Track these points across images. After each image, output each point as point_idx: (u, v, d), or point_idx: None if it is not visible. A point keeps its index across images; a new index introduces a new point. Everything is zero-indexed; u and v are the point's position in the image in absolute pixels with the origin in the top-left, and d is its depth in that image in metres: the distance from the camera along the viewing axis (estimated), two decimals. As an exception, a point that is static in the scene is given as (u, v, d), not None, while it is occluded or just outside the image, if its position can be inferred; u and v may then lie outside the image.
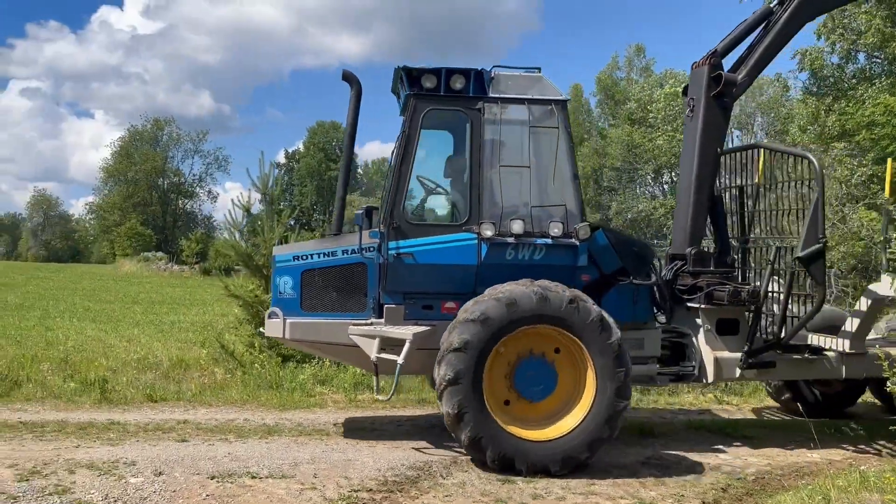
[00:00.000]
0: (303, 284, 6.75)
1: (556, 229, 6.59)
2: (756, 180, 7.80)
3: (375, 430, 7.49)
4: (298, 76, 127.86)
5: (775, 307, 7.30)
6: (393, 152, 6.82)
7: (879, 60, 21.31)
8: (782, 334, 7.12)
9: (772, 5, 7.78)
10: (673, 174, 46.00)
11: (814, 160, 7.01)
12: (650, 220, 40.71)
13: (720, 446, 7.39)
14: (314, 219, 69.30)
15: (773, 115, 40.96)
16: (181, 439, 6.83)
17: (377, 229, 6.67)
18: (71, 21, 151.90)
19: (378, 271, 6.65)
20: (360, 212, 6.82)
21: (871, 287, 7.48)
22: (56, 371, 9.49)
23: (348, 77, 6.97)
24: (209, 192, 73.93)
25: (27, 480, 5.44)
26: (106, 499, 5.16)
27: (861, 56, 21.56)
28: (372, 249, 6.64)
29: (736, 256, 7.89)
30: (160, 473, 5.73)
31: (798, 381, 8.67)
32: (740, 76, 7.56)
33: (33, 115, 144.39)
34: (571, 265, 6.69)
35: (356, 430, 7.50)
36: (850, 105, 19.62)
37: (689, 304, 7.39)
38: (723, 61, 7.76)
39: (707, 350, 7.19)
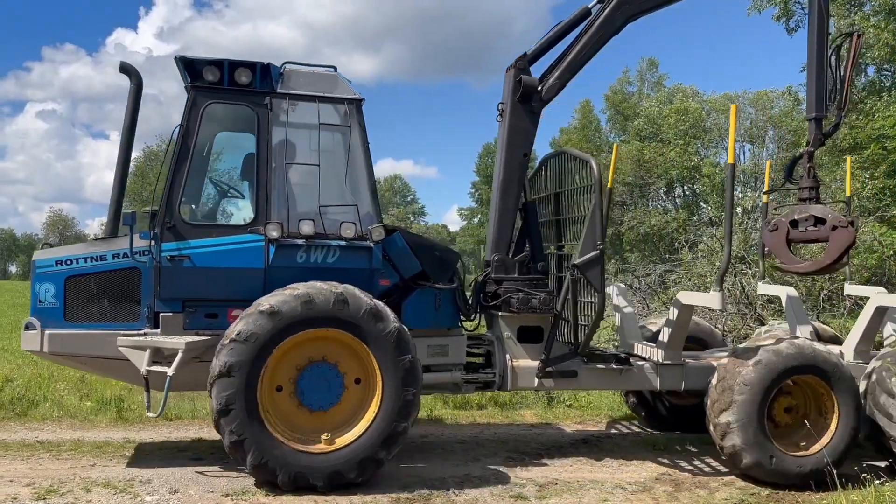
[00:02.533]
0: (66, 292, 6.19)
1: (348, 230, 6.36)
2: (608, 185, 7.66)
3: (388, 448, 7.50)
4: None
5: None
6: (167, 148, 6.32)
7: (889, 73, 21.30)
8: (579, 343, 6.95)
9: (590, 6, 7.40)
10: (685, 188, 46.06)
11: (593, 165, 6.75)
12: (662, 234, 40.64)
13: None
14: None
15: (784, 127, 40.95)
16: (196, 457, 6.87)
17: (148, 230, 6.21)
18: (86, 44, 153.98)
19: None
20: (132, 211, 6.22)
21: (679, 295, 7.25)
22: (72, 390, 9.58)
23: (126, 69, 6.50)
24: (223, 210, 74.46)
25: (44, 499, 5.52)
26: (122, 517, 5.21)
27: (870, 69, 21.56)
28: (147, 253, 6.20)
29: (549, 264, 7.64)
30: (175, 491, 5.78)
31: (646, 393, 8.47)
32: (550, 80, 7.25)
33: (49, 137, 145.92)
34: (367, 268, 6.46)
35: (369, 447, 7.51)
36: (860, 118, 19.57)
37: (493, 312, 7.21)
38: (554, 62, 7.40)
39: (507, 358, 7.03)
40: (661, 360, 7.15)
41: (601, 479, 6.52)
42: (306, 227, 6.25)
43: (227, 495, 5.74)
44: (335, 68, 6.71)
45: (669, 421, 8.59)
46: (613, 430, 8.83)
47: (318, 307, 5.80)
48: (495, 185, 7.47)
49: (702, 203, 43.09)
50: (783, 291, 8.53)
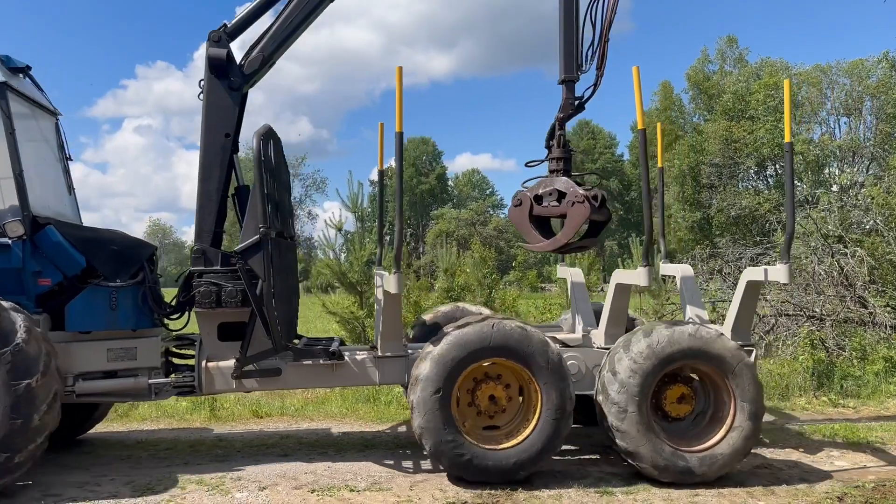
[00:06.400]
0: None
1: None
2: None
3: (471, 442, 7.48)
4: (389, 96, 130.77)
5: None
6: None
7: None
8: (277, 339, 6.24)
9: None
10: (778, 167, 44.06)
11: (255, 141, 6.12)
12: (755, 215, 39.07)
13: (835, 452, 6.98)
14: (407, 233, 70.74)
15: (883, 98, 38.59)
16: (283, 454, 7.04)
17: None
18: (176, 60, 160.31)
19: None
20: None
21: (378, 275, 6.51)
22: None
23: None
24: (308, 213, 76.38)
25: (142, 496, 5.77)
26: (213, 513, 5.38)
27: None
28: None
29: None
30: (264, 488, 5.93)
31: None
32: (253, 53, 6.56)
33: (146, 150, 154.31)
34: (11, 267, 5.95)
35: (452, 442, 7.51)
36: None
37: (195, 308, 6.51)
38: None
39: (204, 358, 6.44)
40: (378, 353, 6.60)
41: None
42: None
43: (313, 491, 5.84)
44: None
45: None
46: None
47: None
48: (199, 169, 6.69)
49: (795, 182, 41.20)
50: (678, 270, 7.60)
